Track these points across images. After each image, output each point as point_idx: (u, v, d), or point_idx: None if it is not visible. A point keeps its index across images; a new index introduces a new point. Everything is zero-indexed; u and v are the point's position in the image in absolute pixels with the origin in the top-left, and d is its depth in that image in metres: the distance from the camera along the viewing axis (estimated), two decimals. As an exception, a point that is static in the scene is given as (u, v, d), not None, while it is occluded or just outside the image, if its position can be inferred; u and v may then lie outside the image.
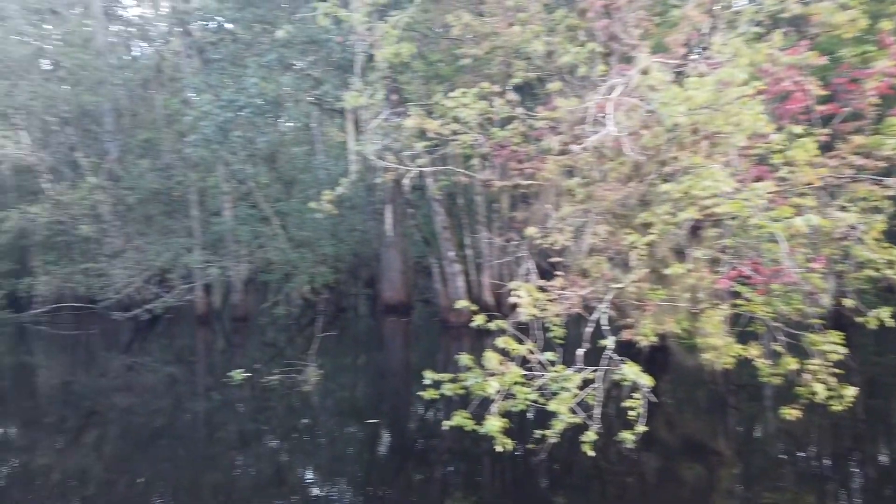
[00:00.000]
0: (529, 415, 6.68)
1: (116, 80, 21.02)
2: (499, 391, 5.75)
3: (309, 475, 8.19)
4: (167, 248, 19.62)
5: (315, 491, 7.63)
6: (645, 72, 7.00)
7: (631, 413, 6.05)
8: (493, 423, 5.48)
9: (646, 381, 5.91)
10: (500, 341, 5.91)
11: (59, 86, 21.30)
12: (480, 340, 15.07)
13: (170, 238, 20.14)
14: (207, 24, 18.21)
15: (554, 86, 8.57)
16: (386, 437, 9.69)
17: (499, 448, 5.62)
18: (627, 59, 8.47)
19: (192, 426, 10.28)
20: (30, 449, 9.14)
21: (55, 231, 21.14)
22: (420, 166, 9.54)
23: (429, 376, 5.99)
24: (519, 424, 6.97)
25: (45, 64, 22.43)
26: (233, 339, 18.48)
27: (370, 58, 11.51)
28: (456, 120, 8.45)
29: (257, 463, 8.35)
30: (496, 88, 8.59)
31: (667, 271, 7.00)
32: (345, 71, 14.87)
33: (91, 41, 21.69)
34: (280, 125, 22.53)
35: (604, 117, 6.89)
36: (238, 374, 11.58)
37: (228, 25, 17.33)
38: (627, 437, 5.99)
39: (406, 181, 10.59)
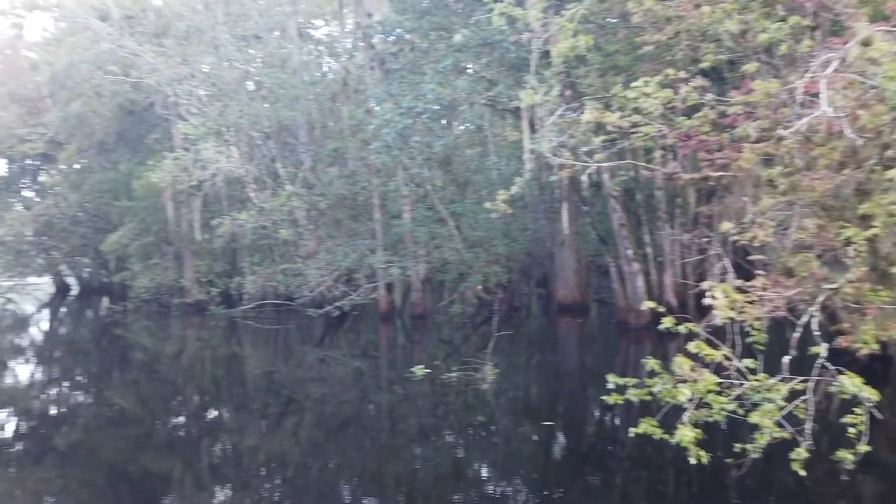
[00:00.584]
0: (723, 426, 6.13)
1: (309, 96, 22.91)
2: (690, 399, 5.31)
3: (485, 472, 8.23)
4: (353, 250, 20.95)
5: (490, 488, 7.63)
6: (865, 43, 6.11)
7: (851, 430, 5.30)
8: (686, 434, 5.07)
9: (870, 394, 5.14)
10: (692, 346, 5.46)
11: (261, 104, 23.65)
12: (663, 344, 14.34)
13: (356, 240, 21.49)
14: (388, 36, 19.17)
15: (750, 67, 7.83)
16: (562, 439, 9.48)
17: (693, 460, 5.19)
18: (836, 32, 7.51)
19: (377, 417, 10.81)
20: (239, 431, 10.18)
21: (259, 235, 23.51)
22: (597, 162, 9.21)
23: (612, 380, 5.71)
24: (709, 435, 6.43)
25: (250, 85, 25.02)
26: (412, 336, 19.26)
27: (545, 54, 11.36)
28: (637, 111, 8.03)
29: (436, 456, 8.55)
30: (682, 75, 8.02)
31: (893, 270, 6.06)
32: (518, 70, 14.87)
33: (287, 61, 23.85)
34: (454, 128, 23.16)
35: (813, 98, 6.12)
36: (419, 370, 12.00)
37: (407, 36, 18.11)
38: (846, 456, 5.26)
39: (583, 178, 10.28)
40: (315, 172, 23.08)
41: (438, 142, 18.17)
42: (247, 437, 9.73)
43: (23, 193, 39.35)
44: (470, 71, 17.25)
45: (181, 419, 11.38)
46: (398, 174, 20.12)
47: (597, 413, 10.40)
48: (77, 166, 34.25)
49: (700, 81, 8.18)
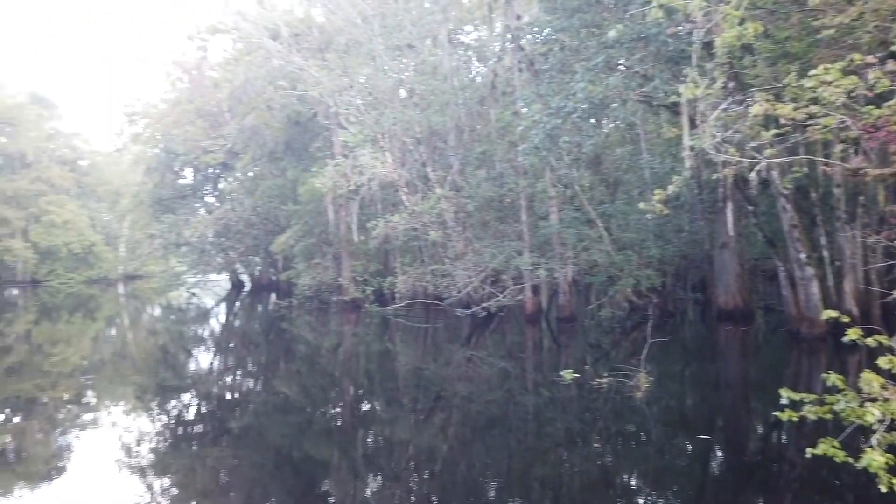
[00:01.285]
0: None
1: (458, 101, 23.38)
2: (881, 420, 4.70)
3: (634, 483, 7.87)
4: (500, 251, 21.04)
5: (640, 500, 7.29)
6: None
7: None
8: (875, 458, 4.49)
9: None
10: (884, 361, 4.83)
11: (413, 111, 24.51)
12: (840, 357, 12.96)
13: (503, 242, 21.58)
14: (537, 37, 19.06)
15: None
16: (720, 454, 8.83)
17: (883, 488, 4.59)
18: None
19: (523, 419, 10.74)
20: (391, 423, 10.57)
21: (411, 237, 24.38)
22: (767, 158, 8.48)
23: (786, 395, 5.19)
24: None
25: (403, 92, 26.01)
26: (559, 339, 18.97)
27: (707, 45, 10.69)
28: (815, 101, 7.29)
29: (583, 462, 8.33)
30: (870, 59, 7.17)
31: None
32: (676, 63, 14.15)
33: (438, 68, 24.51)
34: (604, 127, 22.52)
35: None
36: (568, 374, 11.77)
37: (556, 35, 17.88)
38: None
39: (751, 175, 9.53)
40: (463, 175, 23.50)
41: (588, 141, 17.77)
42: (398, 430, 10.08)
43: (205, 199, 43.86)
44: (622, 67, 16.69)
45: (338, 409, 12.04)
46: (546, 175, 19.94)
47: (761, 429, 9.60)
48: (251, 174, 37.60)
49: (891, 66, 7.27)
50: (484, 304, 20.99)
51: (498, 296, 20.91)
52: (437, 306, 23.44)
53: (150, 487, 7.91)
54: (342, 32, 26.39)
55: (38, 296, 45.45)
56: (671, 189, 10.07)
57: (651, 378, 11.15)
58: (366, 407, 12.21)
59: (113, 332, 26.76)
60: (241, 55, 31.54)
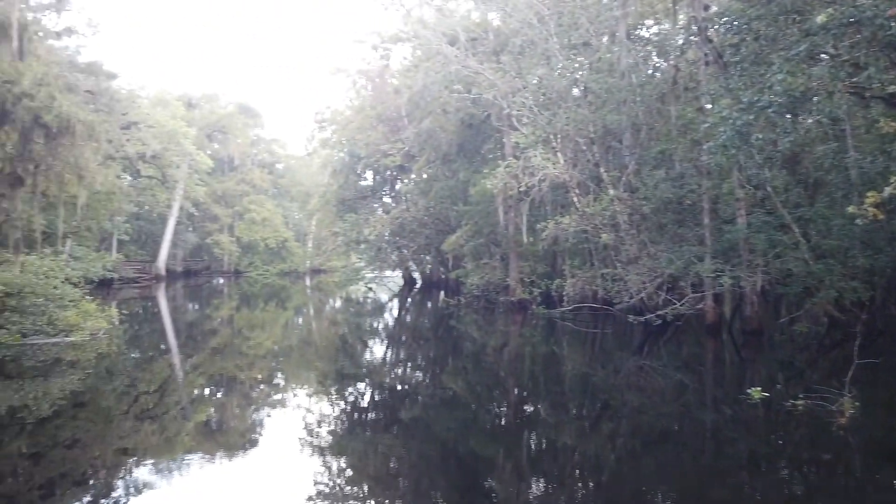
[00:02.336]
0: None
1: (636, 98, 22.40)
2: None
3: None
4: (678, 256, 19.80)
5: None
6: None
7: None
8: None
9: None
10: None
11: (587, 110, 23.92)
12: None
13: (681, 246, 20.29)
14: (728, 27, 17.66)
15: None
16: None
17: None
18: None
19: (699, 436, 9.96)
20: (556, 427, 10.32)
21: (580, 239, 23.80)
22: None
23: None
24: None
25: (576, 91, 25.48)
26: (743, 353, 17.43)
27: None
28: None
29: (767, 489, 7.48)
30: None
31: None
32: (895, 50, 12.37)
33: (615, 65, 23.68)
34: (803, 123, 20.30)
35: None
36: (756, 392, 10.74)
37: (748, 25, 16.43)
38: None
39: None
40: (639, 176, 22.48)
41: (785, 138, 16.12)
42: (562, 435, 9.82)
43: (383, 199, 46.35)
44: (826, 56, 14.91)
45: (503, 408, 12.03)
46: (733, 175, 18.41)
47: None
48: (425, 175, 39.09)
49: None
50: (659, 312, 19.85)
51: (675, 303, 19.69)
52: (606, 311, 22.66)
53: (327, 466, 8.41)
54: (517, 34, 26.45)
55: (239, 285, 50.94)
56: (888, 191, 8.78)
57: (857, 403, 9.81)
58: (530, 408, 12.06)
59: (300, 320, 29.14)
60: (420, 62, 32.84)
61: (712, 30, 18.55)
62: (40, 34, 29.45)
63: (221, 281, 56.06)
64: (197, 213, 57.91)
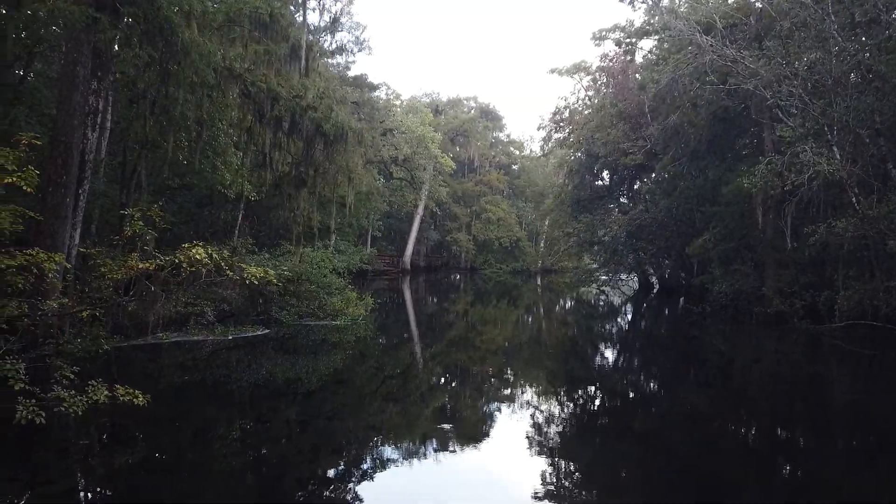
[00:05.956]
0: None
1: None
2: None
3: None
4: None
5: None
6: None
7: None
8: None
9: None
10: None
11: (872, 97, 20.40)
12: None
13: None
14: None
15: None
16: None
17: None
18: None
19: None
20: (819, 460, 8.78)
21: (859, 246, 20.38)
22: None
23: None
24: None
25: (855, 77, 21.89)
26: None
27: None
28: None
29: None
30: None
31: None
32: None
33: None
34: None
35: None
36: None
37: None
38: None
39: None
40: (942, 173, 18.58)
41: None
42: (827, 471, 8.30)
43: (620, 200, 44.68)
44: None
45: (751, 430, 10.63)
46: None
47: None
48: (667, 175, 36.79)
49: None
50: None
51: None
52: (891, 331, 19.09)
53: (556, 467, 8.10)
54: (786, 16, 23.52)
55: (474, 281, 53.04)
56: None
57: None
58: (784, 434, 10.47)
59: (530, 319, 29.26)
60: (669, 54, 30.93)
61: None
62: (318, 54, 33.43)
63: (458, 277, 58.89)
64: (439, 212, 61.55)
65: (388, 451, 8.46)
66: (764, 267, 25.29)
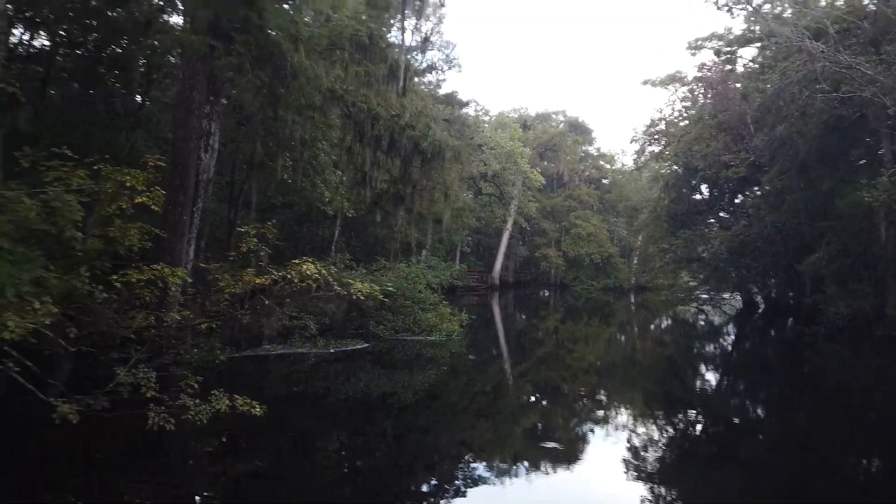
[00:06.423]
0: None
1: None
2: None
3: None
4: None
5: None
6: None
7: None
8: None
9: None
10: None
11: None
12: None
13: None
14: None
15: None
16: None
17: None
18: None
19: None
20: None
21: None
22: None
23: None
24: None
25: None
26: None
27: None
28: None
29: None
30: None
31: None
32: None
33: None
34: None
35: None
36: None
37: None
38: None
39: None
40: None
41: None
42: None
43: (719, 215, 42.73)
44: None
45: (873, 462, 9.84)
46: None
47: None
48: (774, 188, 34.86)
49: None
50: None
51: None
52: None
53: (655, 496, 7.82)
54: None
55: (563, 297, 52.21)
56: None
57: None
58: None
59: (623, 337, 28.46)
60: (774, 62, 29.46)
61: None
62: (413, 73, 34.26)
63: (547, 293, 58.17)
64: (528, 227, 61.12)
65: (481, 469, 8.46)
66: (886, 285, 23.42)
